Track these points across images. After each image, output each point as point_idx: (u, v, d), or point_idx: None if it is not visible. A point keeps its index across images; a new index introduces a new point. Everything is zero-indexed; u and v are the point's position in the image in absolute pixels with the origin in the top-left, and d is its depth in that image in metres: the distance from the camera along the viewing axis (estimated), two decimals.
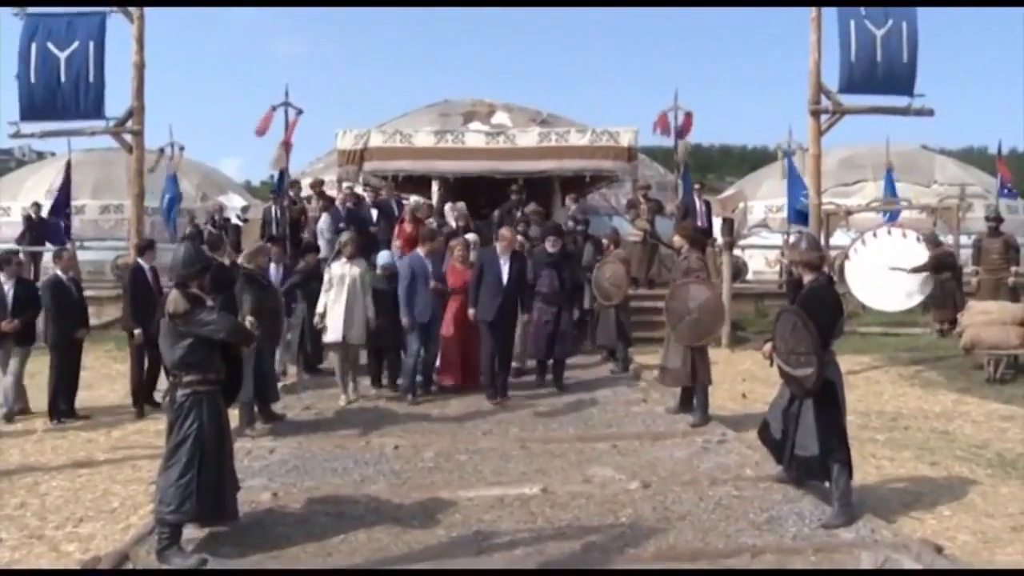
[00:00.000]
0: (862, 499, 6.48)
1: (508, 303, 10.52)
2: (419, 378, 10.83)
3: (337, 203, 16.17)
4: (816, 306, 6.38)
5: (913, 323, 15.56)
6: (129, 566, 5.46)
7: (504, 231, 11.00)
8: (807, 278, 6.65)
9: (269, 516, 6.43)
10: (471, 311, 10.61)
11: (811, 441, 6.32)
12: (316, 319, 10.65)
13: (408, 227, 13.25)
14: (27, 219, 19.32)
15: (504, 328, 10.62)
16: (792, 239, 7.64)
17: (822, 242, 13.17)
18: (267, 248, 10.73)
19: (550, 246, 11.34)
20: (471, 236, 12.86)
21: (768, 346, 6.84)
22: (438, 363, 11.36)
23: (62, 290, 10.25)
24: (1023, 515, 6.45)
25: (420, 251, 10.93)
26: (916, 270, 13.40)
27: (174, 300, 5.73)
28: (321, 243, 15.17)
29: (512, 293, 10.55)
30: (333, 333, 10.47)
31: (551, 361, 11.62)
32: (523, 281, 10.79)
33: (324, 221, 15.74)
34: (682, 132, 20.49)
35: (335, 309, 10.45)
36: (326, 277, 10.67)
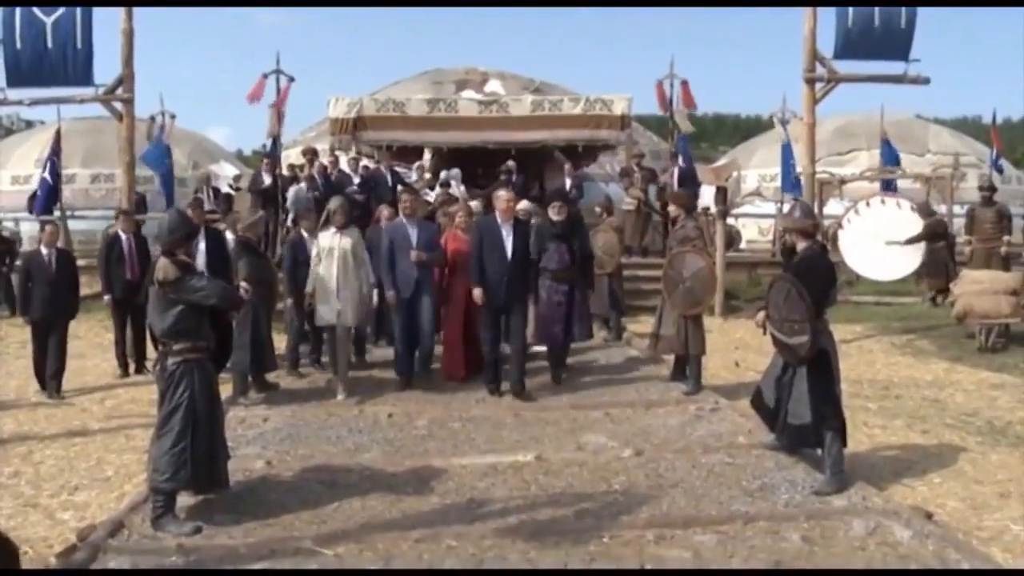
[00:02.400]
0: (854, 467, 6.52)
1: (515, 281, 9.04)
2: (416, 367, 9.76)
3: (314, 171, 16.01)
4: (809, 274, 6.38)
5: (906, 292, 15.62)
6: (125, 534, 5.48)
7: (502, 193, 9.50)
8: (800, 246, 6.63)
9: (263, 484, 6.46)
10: (476, 292, 9.08)
11: (804, 409, 6.33)
12: (306, 299, 9.58)
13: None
14: None
15: (513, 311, 9.17)
16: (787, 208, 7.62)
17: (816, 211, 13.18)
18: (263, 217, 10.66)
19: (554, 213, 9.74)
20: (475, 204, 12.24)
21: (761, 315, 6.85)
22: (439, 349, 10.22)
23: (38, 265, 9.82)
24: (1011, 481, 6.51)
25: (403, 217, 9.76)
26: (911, 241, 13.43)
27: (163, 268, 5.70)
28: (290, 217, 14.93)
29: (519, 269, 9.08)
30: (324, 314, 9.42)
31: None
32: (528, 253, 9.28)
33: (300, 191, 15.46)
34: (685, 104, 20.26)
35: (326, 287, 9.33)
36: (313, 251, 9.50)
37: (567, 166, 17.19)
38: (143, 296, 6.09)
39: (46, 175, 15.85)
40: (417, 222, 9.79)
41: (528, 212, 10.89)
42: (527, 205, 11.03)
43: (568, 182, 16.77)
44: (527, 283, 9.27)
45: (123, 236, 10.67)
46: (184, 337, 5.71)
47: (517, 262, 9.05)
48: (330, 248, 9.28)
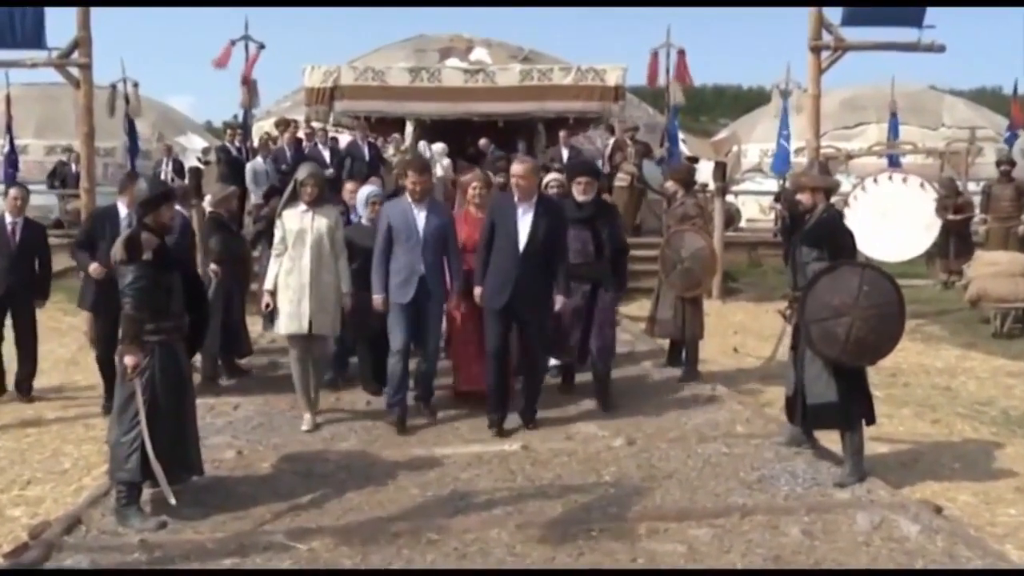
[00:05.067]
0: None
1: (528, 279, 7.33)
2: (411, 391, 7.93)
3: (283, 143, 15.86)
4: (833, 237, 6.28)
5: (916, 275, 15.68)
6: (83, 530, 5.46)
7: (518, 167, 7.57)
8: (820, 206, 6.43)
9: (233, 475, 6.45)
10: (476, 290, 7.61)
11: (824, 387, 6.18)
12: (264, 298, 7.75)
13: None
14: None
15: (526, 319, 7.52)
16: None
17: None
18: (236, 192, 10.40)
19: (580, 192, 8.14)
20: (499, 179, 10.39)
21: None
22: (446, 359, 8.83)
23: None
24: None
25: (409, 197, 7.71)
26: (943, 217, 13.44)
27: (117, 245, 5.65)
28: (253, 196, 14.80)
29: (535, 264, 7.36)
30: (289, 320, 7.62)
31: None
32: (557, 245, 7.54)
33: (258, 166, 15.26)
34: (679, 76, 20.24)
35: (290, 282, 7.62)
36: (277, 235, 7.75)
37: (562, 133, 17.07)
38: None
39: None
40: (428, 204, 7.74)
41: (561, 183, 8.94)
42: (559, 176, 9.22)
43: (564, 152, 16.54)
44: (549, 283, 7.54)
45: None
46: (147, 317, 5.64)
47: (533, 254, 7.34)
48: (299, 231, 7.60)
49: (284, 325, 7.64)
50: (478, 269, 7.60)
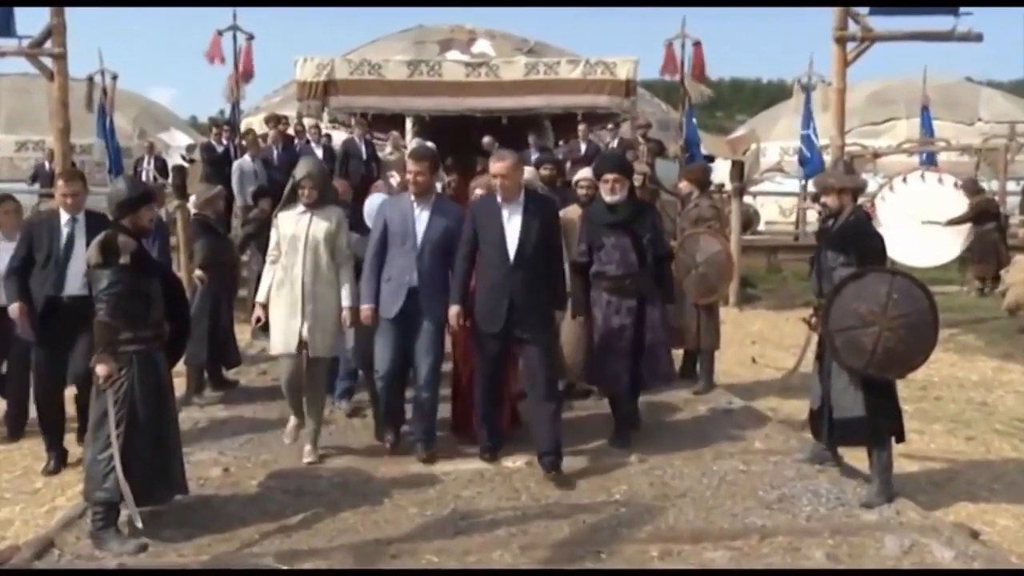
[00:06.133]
0: None
1: (524, 292, 6.70)
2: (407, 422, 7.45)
3: (270, 141, 15.86)
4: (860, 240, 6.26)
5: (949, 280, 15.66)
6: (55, 554, 5.43)
7: (499, 164, 6.80)
8: (847, 208, 6.43)
9: (219, 494, 6.46)
10: (452, 309, 6.86)
11: (851, 402, 6.15)
12: (255, 312, 7.27)
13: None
14: None
15: (526, 342, 6.82)
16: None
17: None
18: (222, 192, 10.32)
19: (608, 191, 7.37)
20: (529, 172, 8.52)
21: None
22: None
23: None
24: None
25: (411, 194, 7.09)
26: (953, 222, 13.42)
27: (91, 249, 5.66)
28: (238, 199, 14.76)
29: (530, 273, 6.72)
30: (281, 338, 7.03)
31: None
32: (552, 247, 6.98)
33: (246, 165, 15.16)
34: (694, 70, 20.24)
35: (282, 295, 7.06)
36: (272, 240, 7.20)
37: (582, 127, 16.99)
38: None
39: None
40: (434, 203, 7.11)
41: (592, 183, 8.30)
42: (590, 174, 8.45)
43: (583, 147, 16.49)
44: (549, 297, 6.93)
45: None
46: (123, 325, 5.63)
47: (526, 262, 6.72)
48: (293, 236, 6.99)
49: (274, 343, 7.13)
50: (456, 285, 6.91)
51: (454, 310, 6.83)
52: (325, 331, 7.00)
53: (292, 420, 7.38)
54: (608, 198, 7.36)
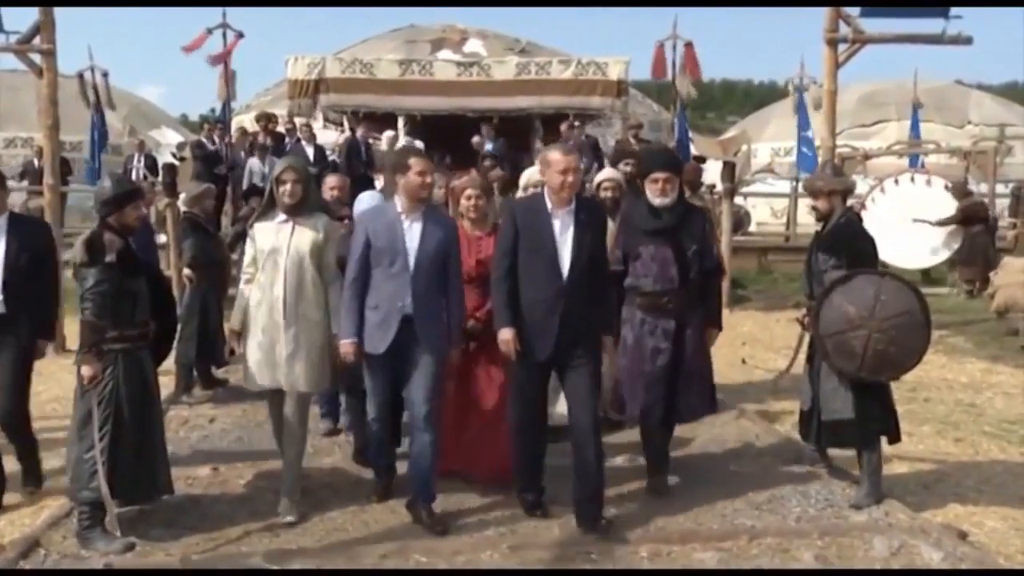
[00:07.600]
0: None
1: (577, 314, 5.69)
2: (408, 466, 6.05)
3: (261, 139, 15.83)
4: (852, 243, 6.25)
5: (938, 282, 15.70)
6: (41, 554, 5.39)
7: (560, 156, 5.75)
8: (837, 211, 6.42)
9: (208, 493, 6.45)
10: (504, 334, 5.72)
11: (841, 403, 6.13)
12: (228, 336, 6.42)
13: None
14: None
15: (573, 368, 5.76)
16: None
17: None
18: (212, 190, 10.26)
19: (657, 193, 6.22)
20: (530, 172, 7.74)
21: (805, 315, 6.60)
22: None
23: None
24: None
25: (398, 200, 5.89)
26: (942, 223, 13.47)
27: (76, 248, 5.63)
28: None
29: (583, 292, 5.72)
30: (259, 369, 5.99)
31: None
32: (602, 263, 6.00)
33: (255, 167, 15.06)
34: (686, 70, 20.27)
35: (260, 319, 5.97)
36: (247, 254, 6.19)
37: (563, 126, 16.95)
38: None
39: None
40: (424, 213, 5.86)
41: (617, 184, 7.58)
42: (614, 175, 7.63)
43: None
44: (601, 317, 6.02)
45: None
46: (109, 324, 5.59)
47: (579, 278, 5.71)
48: (273, 250, 5.93)
49: (250, 378, 6.08)
50: (502, 304, 5.77)
51: (507, 334, 5.71)
52: (311, 362, 5.93)
53: (285, 506, 6.05)
54: (657, 200, 6.23)
